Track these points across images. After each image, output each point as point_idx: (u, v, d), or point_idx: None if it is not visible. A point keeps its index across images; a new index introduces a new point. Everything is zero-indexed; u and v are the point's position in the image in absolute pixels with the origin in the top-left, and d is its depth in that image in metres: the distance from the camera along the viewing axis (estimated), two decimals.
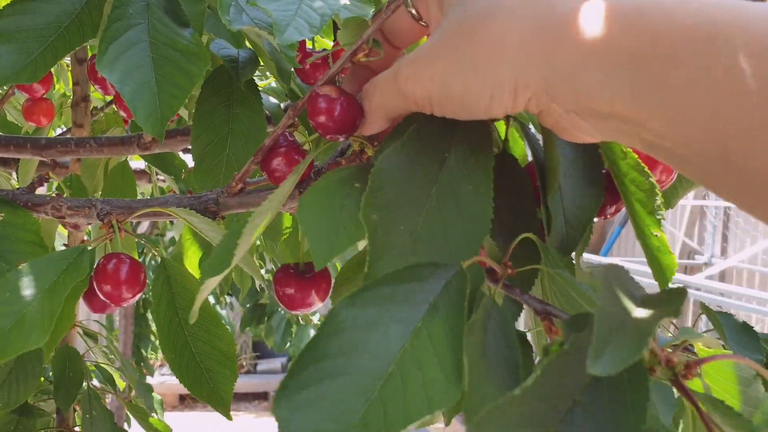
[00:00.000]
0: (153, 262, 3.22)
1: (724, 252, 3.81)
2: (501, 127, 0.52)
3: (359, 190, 0.42)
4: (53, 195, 0.62)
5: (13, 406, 1.00)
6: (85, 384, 1.09)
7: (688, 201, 3.89)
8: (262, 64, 0.86)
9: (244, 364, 5.32)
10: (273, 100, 0.96)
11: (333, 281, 0.58)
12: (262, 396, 5.27)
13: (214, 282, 0.42)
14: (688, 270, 3.94)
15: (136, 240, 0.96)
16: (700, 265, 3.80)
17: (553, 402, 0.28)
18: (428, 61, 0.37)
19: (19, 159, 1.10)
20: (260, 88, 0.86)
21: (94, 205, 0.60)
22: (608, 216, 0.50)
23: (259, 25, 0.65)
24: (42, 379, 1.16)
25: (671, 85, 0.28)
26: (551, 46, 0.32)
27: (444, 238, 0.39)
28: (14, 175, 1.22)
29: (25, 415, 1.07)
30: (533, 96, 0.34)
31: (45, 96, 0.88)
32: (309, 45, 0.90)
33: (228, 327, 0.62)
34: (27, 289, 0.53)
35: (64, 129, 1.32)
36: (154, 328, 5.03)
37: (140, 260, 0.69)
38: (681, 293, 0.31)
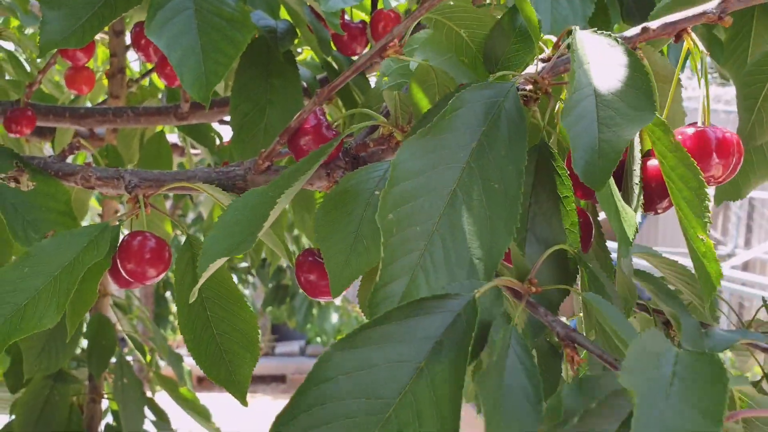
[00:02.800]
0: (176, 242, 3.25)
1: (747, 243, 3.77)
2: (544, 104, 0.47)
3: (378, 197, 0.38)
4: (83, 165, 0.62)
5: (50, 371, 1.02)
6: (116, 352, 1.11)
7: (711, 191, 3.84)
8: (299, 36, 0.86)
9: (263, 346, 5.37)
10: (308, 71, 0.97)
11: None
12: (279, 378, 5.32)
13: (219, 263, 0.41)
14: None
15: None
16: (723, 255, 3.77)
17: None
18: None
19: (54, 130, 1.11)
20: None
21: (123, 176, 0.59)
22: (658, 211, 0.47)
23: None
24: None
25: None
26: None
27: (463, 244, 0.36)
28: (47, 146, 1.24)
29: (59, 381, 1.10)
30: None
31: (86, 65, 0.89)
32: (347, 15, 0.90)
33: (252, 308, 0.61)
34: (45, 264, 0.52)
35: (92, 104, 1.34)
36: (173, 309, 5.09)
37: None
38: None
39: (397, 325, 0.32)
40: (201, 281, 0.43)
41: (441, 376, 0.30)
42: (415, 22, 0.41)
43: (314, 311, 3.62)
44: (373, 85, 0.93)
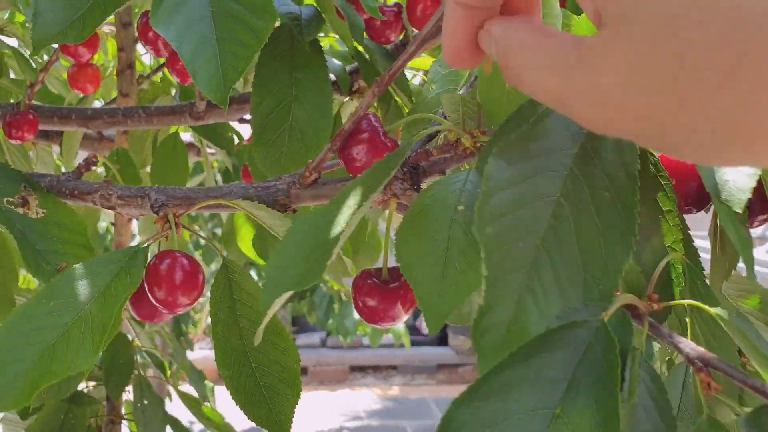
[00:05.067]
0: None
1: None
2: None
3: (465, 214, 0.34)
4: (102, 182, 0.54)
5: (64, 394, 0.95)
6: (135, 372, 1.03)
7: None
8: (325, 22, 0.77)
9: None
10: (337, 62, 0.87)
11: None
12: (301, 371, 5.28)
13: (284, 297, 0.35)
14: None
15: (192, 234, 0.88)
16: (756, 238, 3.64)
17: None
18: (629, 91, 0.24)
19: (62, 132, 1.03)
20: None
21: (148, 194, 0.52)
22: (755, 224, 0.44)
23: None
24: None
25: None
26: None
27: (573, 261, 0.31)
28: (56, 149, 1.16)
29: (75, 402, 1.03)
30: None
31: (91, 61, 0.81)
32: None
33: (289, 334, 0.53)
34: (74, 297, 0.45)
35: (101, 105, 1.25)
36: None
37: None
38: None
39: (522, 367, 0.27)
40: (266, 320, 0.35)
41: (583, 423, 0.26)
42: None
43: (335, 306, 3.54)
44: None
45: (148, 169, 0.96)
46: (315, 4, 0.76)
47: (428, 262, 0.33)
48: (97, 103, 1.44)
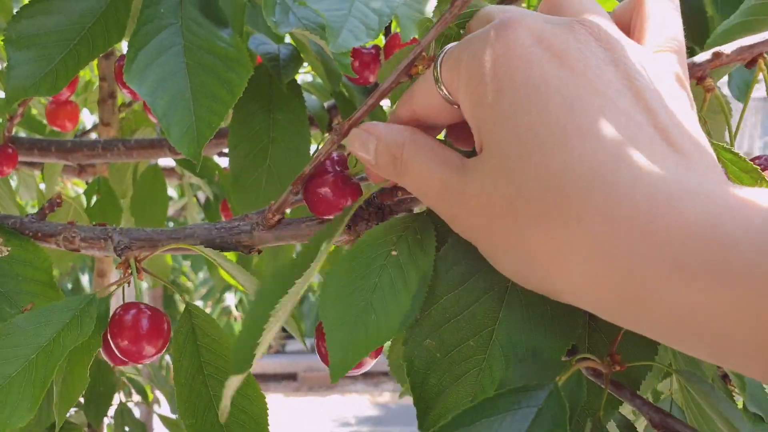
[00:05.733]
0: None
1: None
2: None
3: (397, 261, 0.33)
4: (66, 224, 0.54)
5: (46, 423, 0.95)
6: (116, 398, 1.03)
7: None
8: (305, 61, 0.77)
9: (273, 344, 5.33)
10: (314, 98, 0.88)
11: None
12: (290, 376, 5.27)
13: (237, 381, 0.34)
14: None
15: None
16: None
17: None
18: (471, 229, 0.29)
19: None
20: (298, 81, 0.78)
21: (111, 236, 0.52)
22: None
23: (309, 27, 0.57)
24: None
25: None
26: (636, 305, 0.24)
27: (527, 345, 0.31)
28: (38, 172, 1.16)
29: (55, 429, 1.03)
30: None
31: (70, 98, 0.81)
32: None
33: (256, 381, 0.53)
34: (21, 347, 0.44)
35: (86, 128, 1.25)
36: (182, 309, 5.04)
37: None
38: None
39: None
40: (226, 401, 0.33)
41: None
42: (443, 29, 0.33)
43: None
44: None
45: (128, 199, 0.96)
46: (294, 43, 0.77)
47: (347, 308, 0.32)
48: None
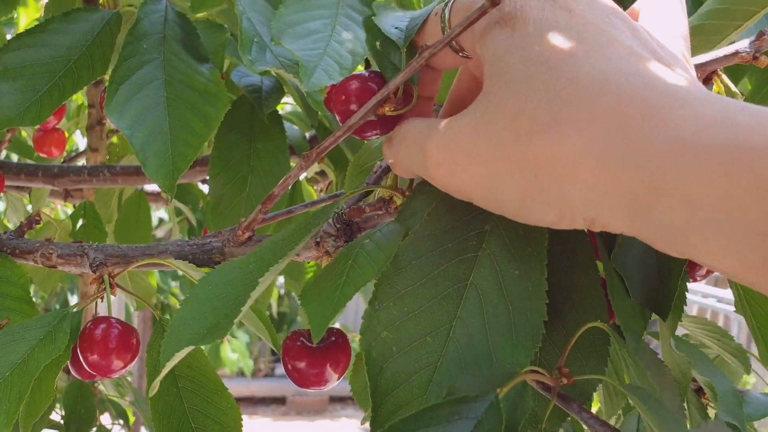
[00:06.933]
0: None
1: None
2: None
3: (369, 245, 0.34)
4: (43, 241, 0.55)
5: None
6: (98, 422, 1.04)
7: None
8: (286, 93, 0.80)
9: (263, 367, 5.30)
10: (295, 128, 0.90)
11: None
12: (279, 400, 5.23)
13: (187, 350, 0.34)
14: (719, 282, 3.82)
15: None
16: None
17: None
18: (469, 157, 0.29)
19: None
20: (279, 111, 0.80)
21: (87, 253, 0.53)
22: (698, 279, 0.42)
23: (285, 65, 0.59)
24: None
25: None
26: (648, 196, 0.23)
27: (487, 348, 0.31)
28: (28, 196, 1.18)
29: None
30: (613, 227, 0.26)
31: (57, 126, 0.83)
32: None
33: (230, 393, 0.54)
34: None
35: (79, 150, 1.28)
36: None
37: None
38: None
39: None
40: (164, 372, 0.35)
41: None
42: (411, 75, 0.35)
43: None
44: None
45: (113, 223, 0.98)
46: (276, 75, 0.79)
47: (327, 290, 0.33)
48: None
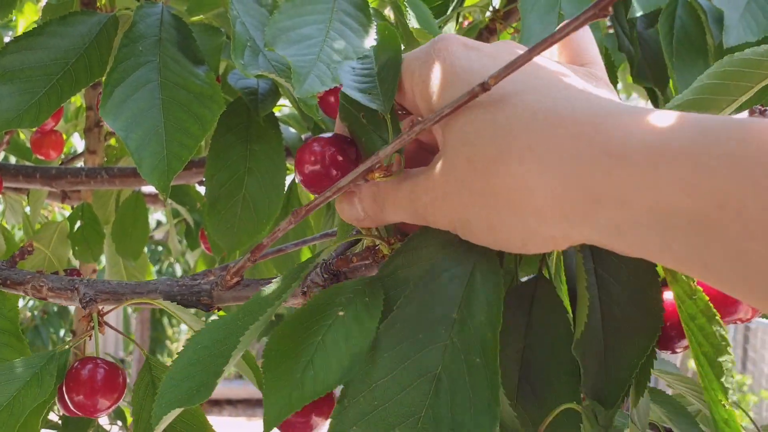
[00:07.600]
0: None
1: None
2: None
3: (343, 321, 0.34)
4: (35, 273, 0.55)
5: None
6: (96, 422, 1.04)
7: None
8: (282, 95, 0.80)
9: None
10: (292, 130, 0.91)
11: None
12: (258, 402, 5.25)
13: (176, 413, 0.34)
14: None
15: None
16: None
17: None
18: (444, 196, 0.32)
19: None
20: (276, 113, 0.81)
21: (77, 288, 0.53)
22: (677, 351, 0.41)
23: (278, 68, 0.60)
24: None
25: (750, 260, 0.22)
26: (590, 206, 0.26)
27: None
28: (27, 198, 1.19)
29: None
30: (575, 239, 0.29)
31: (54, 128, 0.84)
32: None
33: None
34: None
35: (77, 152, 1.28)
36: (170, 332, 5.01)
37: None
38: None
39: None
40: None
41: None
42: (402, 146, 0.35)
43: None
44: None
45: (110, 225, 0.99)
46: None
47: (289, 366, 0.33)
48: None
